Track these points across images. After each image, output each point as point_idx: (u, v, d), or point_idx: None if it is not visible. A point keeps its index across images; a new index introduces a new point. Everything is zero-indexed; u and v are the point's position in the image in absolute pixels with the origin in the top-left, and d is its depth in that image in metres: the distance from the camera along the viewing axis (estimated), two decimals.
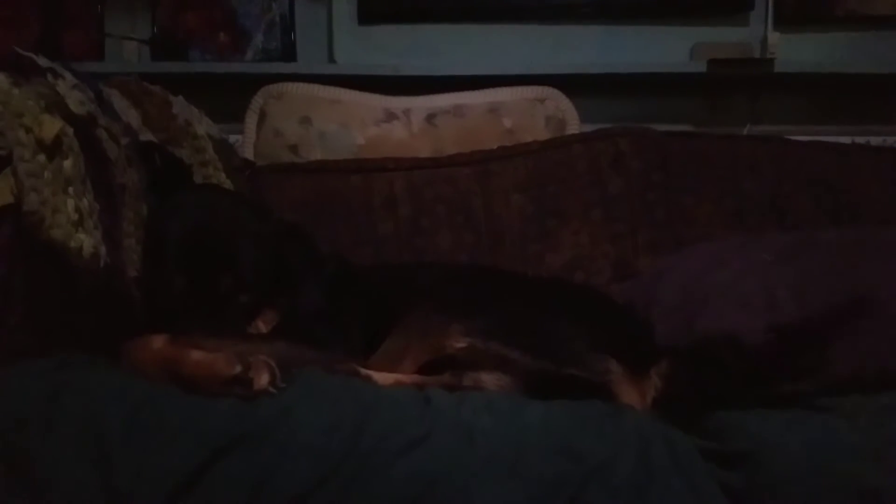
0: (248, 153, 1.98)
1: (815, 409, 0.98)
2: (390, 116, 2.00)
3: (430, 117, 2.01)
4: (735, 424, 0.94)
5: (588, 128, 1.93)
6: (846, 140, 2.03)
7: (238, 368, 0.88)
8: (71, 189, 0.96)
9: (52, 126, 0.95)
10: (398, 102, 2.03)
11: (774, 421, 0.94)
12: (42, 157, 0.93)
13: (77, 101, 1.04)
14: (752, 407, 0.99)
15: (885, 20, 2.57)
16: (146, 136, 1.28)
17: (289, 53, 2.60)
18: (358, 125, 1.98)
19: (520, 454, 0.86)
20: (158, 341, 0.95)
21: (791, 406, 0.99)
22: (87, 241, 0.96)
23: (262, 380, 0.88)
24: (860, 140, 2.22)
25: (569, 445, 0.88)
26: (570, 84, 2.14)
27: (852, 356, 1.11)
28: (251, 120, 2.03)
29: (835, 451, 0.88)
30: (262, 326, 1.12)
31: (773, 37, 2.51)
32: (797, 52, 2.53)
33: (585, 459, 0.86)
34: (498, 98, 2.05)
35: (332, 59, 2.59)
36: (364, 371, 1.06)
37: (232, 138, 1.84)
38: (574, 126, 2.04)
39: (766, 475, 0.86)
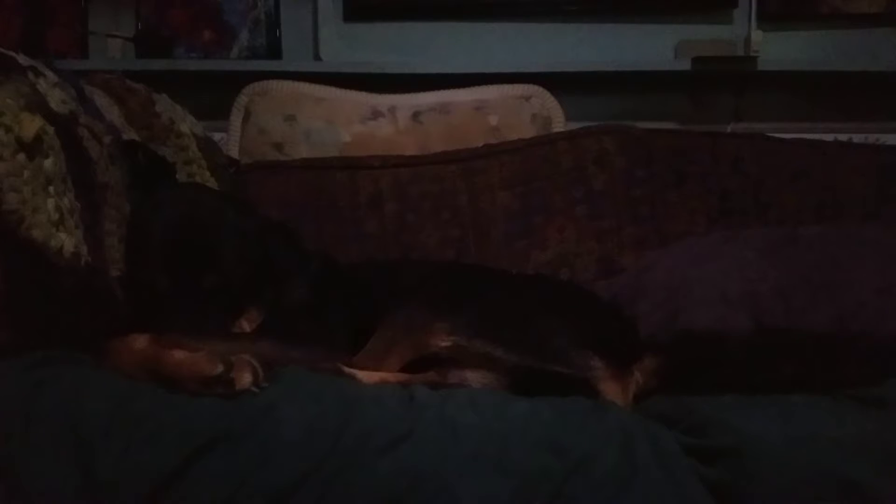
0: (233, 151, 1.98)
1: (798, 405, 0.99)
2: (376, 114, 2.00)
3: (416, 115, 2.01)
4: (718, 420, 0.94)
5: (573, 125, 1.93)
6: (829, 137, 2.04)
7: (220, 368, 0.87)
8: (51, 188, 0.95)
9: (32, 125, 0.94)
10: (384, 100, 2.03)
11: (757, 416, 0.95)
12: (22, 157, 0.92)
13: (58, 99, 1.04)
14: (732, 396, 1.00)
15: (869, 18, 2.60)
16: (129, 134, 1.27)
17: (274, 51, 2.59)
18: (343, 123, 1.98)
19: (503, 450, 0.87)
20: (140, 341, 0.95)
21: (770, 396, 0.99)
22: (67, 241, 0.95)
23: (245, 379, 0.88)
24: (842, 137, 2.23)
25: (552, 441, 0.88)
26: (555, 82, 2.15)
27: (832, 353, 1.12)
28: (236, 118, 2.02)
29: (817, 446, 0.88)
30: (245, 325, 1.12)
31: (757, 35, 2.52)
32: (780, 50, 2.55)
33: (568, 454, 0.86)
34: (484, 96, 2.05)
35: (317, 57, 2.58)
36: (347, 370, 1.06)
37: (216, 136, 1.83)
38: (559, 124, 2.05)
39: (749, 470, 0.86)
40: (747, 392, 1.03)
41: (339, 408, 0.89)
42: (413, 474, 0.83)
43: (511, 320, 1.11)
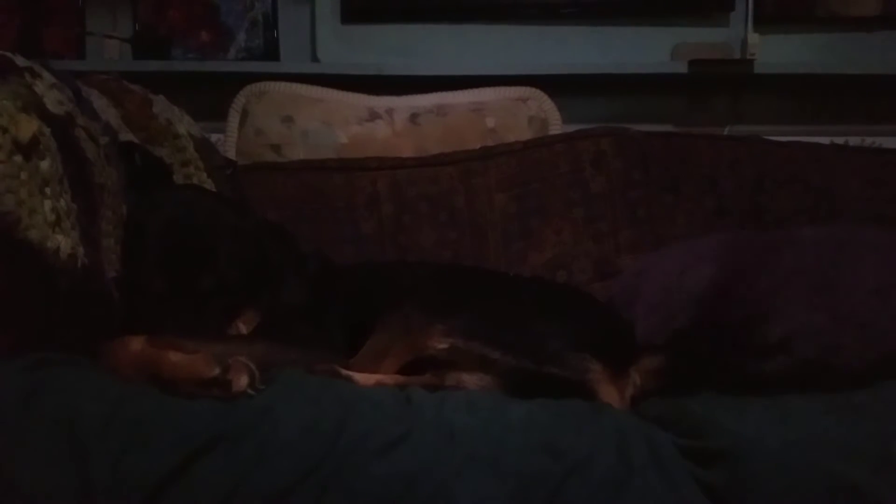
0: (230, 152, 1.97)
1: (794, 407, 0.99)
2: (373, 116, 2.00)
3: (414, 117, 2.01)
4: (714, 422, 0.95)
5: (570, 128, 1.94)
6: (825, 140, 2.05)
7: (216, 370, 0.87)
8: (48, 189, 0.95)
9: (28, 126, 0.93)
10: (381, 102, 2.03)
11: (754, 418, 0.95)
12: (18, 158, 0.91)
13: (55, 100, 1.03)
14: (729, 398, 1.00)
15: (865, 21, 2.61)
16: (126, 135, 1.27)
17: (271, 52, 2.59)
18: (341, 124, 1.98)
19: (500, 452, 0.87)
20: (137, 342, 0.95)
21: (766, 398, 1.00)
22: (64, 242, 0.95)
23: (241, 382, 0.88)
24: (839, 140, 2.24)
25: (549, 443, 0.88)
26: (552, 84, 2.15)
27: (823, 349, 1.13)
28: (233, 119, 2.02)
29: (813, 448, 0.88)
30: (242, 327, 1.12)
31: (753, 38, 2.53)
32: (777, 52, 2.56)
33: (565, 456, 0.86)
34: (481, 98, 2.05)
35: (314, 58, 2.58)
36: (344, 372, 1.06)
37: (214, 137, 1.83)
38: (556, 126, 2.05)
39: (745, 472, 0.87)
40: (743, 392, 1.03)
41: (335, 410, 0.89)
42: (410, 476, 0.83)
43: (508, 322, 1.11)
